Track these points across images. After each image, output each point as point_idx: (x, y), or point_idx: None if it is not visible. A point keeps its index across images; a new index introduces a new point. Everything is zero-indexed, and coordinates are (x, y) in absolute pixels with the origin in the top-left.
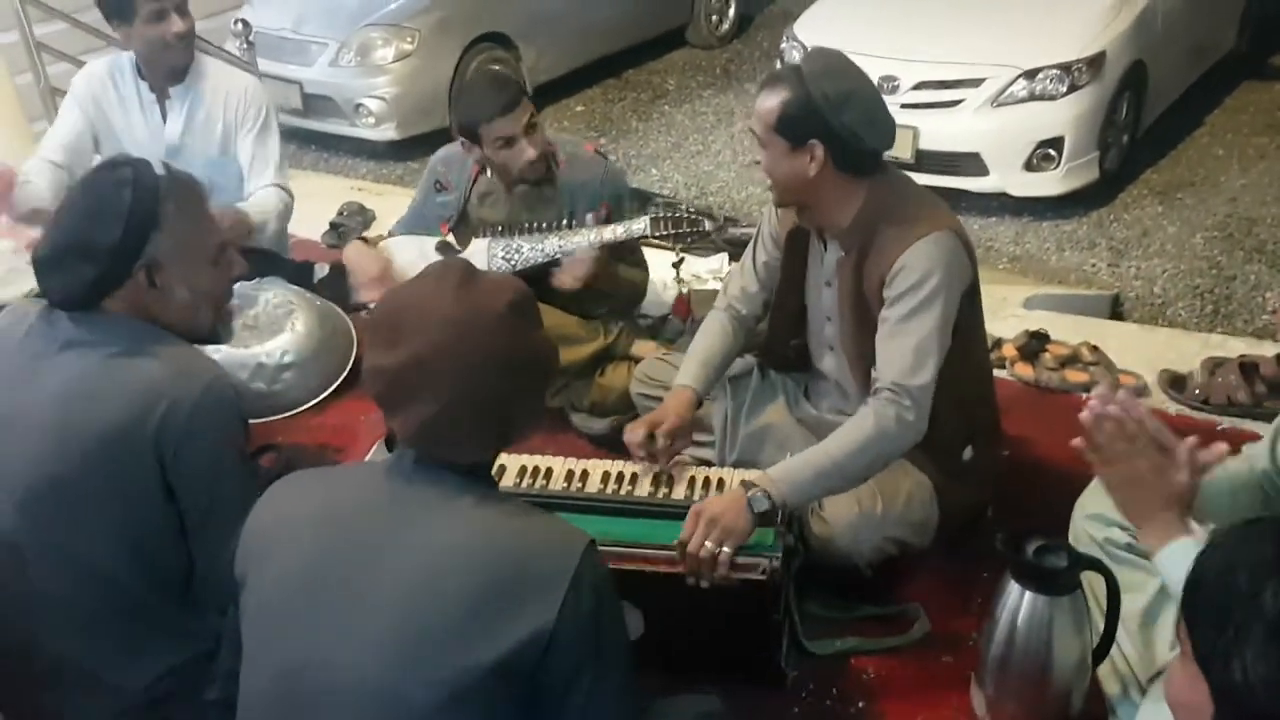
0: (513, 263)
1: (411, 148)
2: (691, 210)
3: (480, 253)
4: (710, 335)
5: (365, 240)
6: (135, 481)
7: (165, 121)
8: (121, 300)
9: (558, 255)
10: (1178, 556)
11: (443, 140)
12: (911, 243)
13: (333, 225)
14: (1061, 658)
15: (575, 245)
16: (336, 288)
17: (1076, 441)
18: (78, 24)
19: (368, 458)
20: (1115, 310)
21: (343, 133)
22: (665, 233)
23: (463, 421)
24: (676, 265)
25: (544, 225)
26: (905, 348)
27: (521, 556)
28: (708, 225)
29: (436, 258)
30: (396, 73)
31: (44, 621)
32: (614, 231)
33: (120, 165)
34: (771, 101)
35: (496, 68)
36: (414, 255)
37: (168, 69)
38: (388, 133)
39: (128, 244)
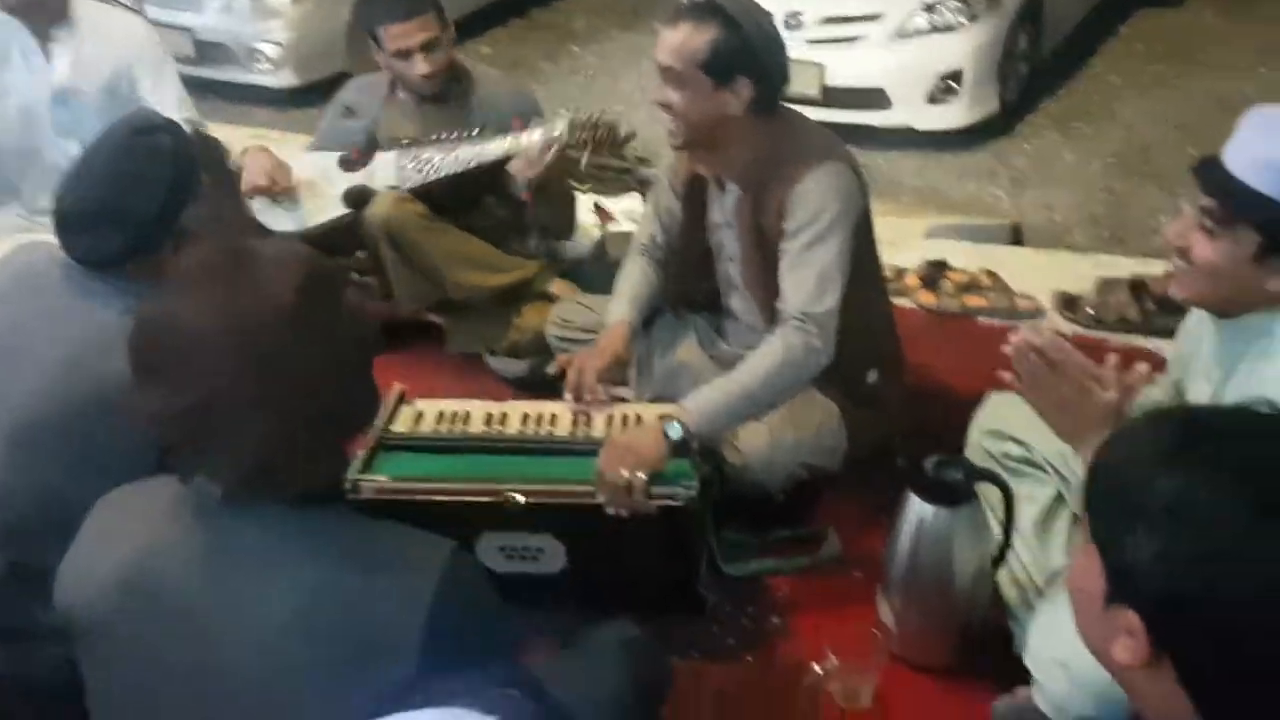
0: (424, 173)
1: (311, 94)
2: (603, 113)
3: (388, 165)
4: (633, 275)
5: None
6: (132, 438)
7: (50, 64)
8: (140, 264)
9: (472, 164)
10: None
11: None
12: (805, 175)
13: None
14: (962, 566)
15: (490, 154)
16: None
17: (1005, 374)
18: None
19: None
20: (1015, 239)
21: (239, 80)
22: (581, 137)
23: (291, 448)
24: (598, 209)
25: (454, 135)
26: (808, 277)
27: (368, 606)
28: (623, 130)
29: (339, 173)
30: (292, 16)
31: (23, 556)
32: (530, 135)
33: (158, 132)
34: (698, 39)
35: None
36: (314, 174)
37: (40, 8)
38: (285, 79)
39: (165, 217)
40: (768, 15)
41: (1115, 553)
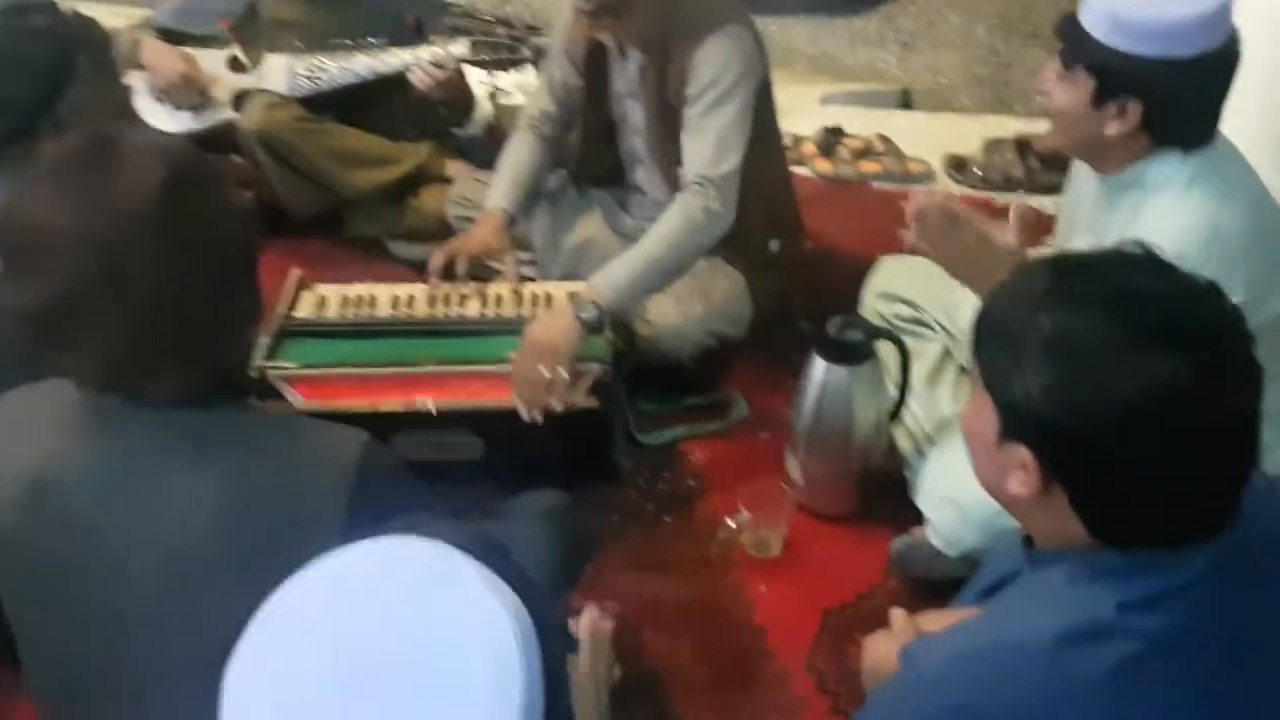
0: (317, 84)
1: None
2: (507, 33)
3: (279, 70)
4: (518, 153)
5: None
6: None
7: None
8: (21, 149)
9: (370, 76)
10: None
11: None
12: (707, 40)
13: None
14: (861, 419)
15: (388, 67)
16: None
17: (904, 233)
18: None
19: None
20: (905, 103)
21: None
22: (482, 58)
23: (149, 357)
24: (493, 95)
25: (351, 44)
26: (707, 141)
27: (286, 498)
28: (525, 52)
29: (228, 74)
30: None
31: None
32: (432, 53)
33: (32, 12)
34: None
35: None
36: (202, 67)
37: None
38: None
39: (43, 100)
40: None
41: (1004, 392)
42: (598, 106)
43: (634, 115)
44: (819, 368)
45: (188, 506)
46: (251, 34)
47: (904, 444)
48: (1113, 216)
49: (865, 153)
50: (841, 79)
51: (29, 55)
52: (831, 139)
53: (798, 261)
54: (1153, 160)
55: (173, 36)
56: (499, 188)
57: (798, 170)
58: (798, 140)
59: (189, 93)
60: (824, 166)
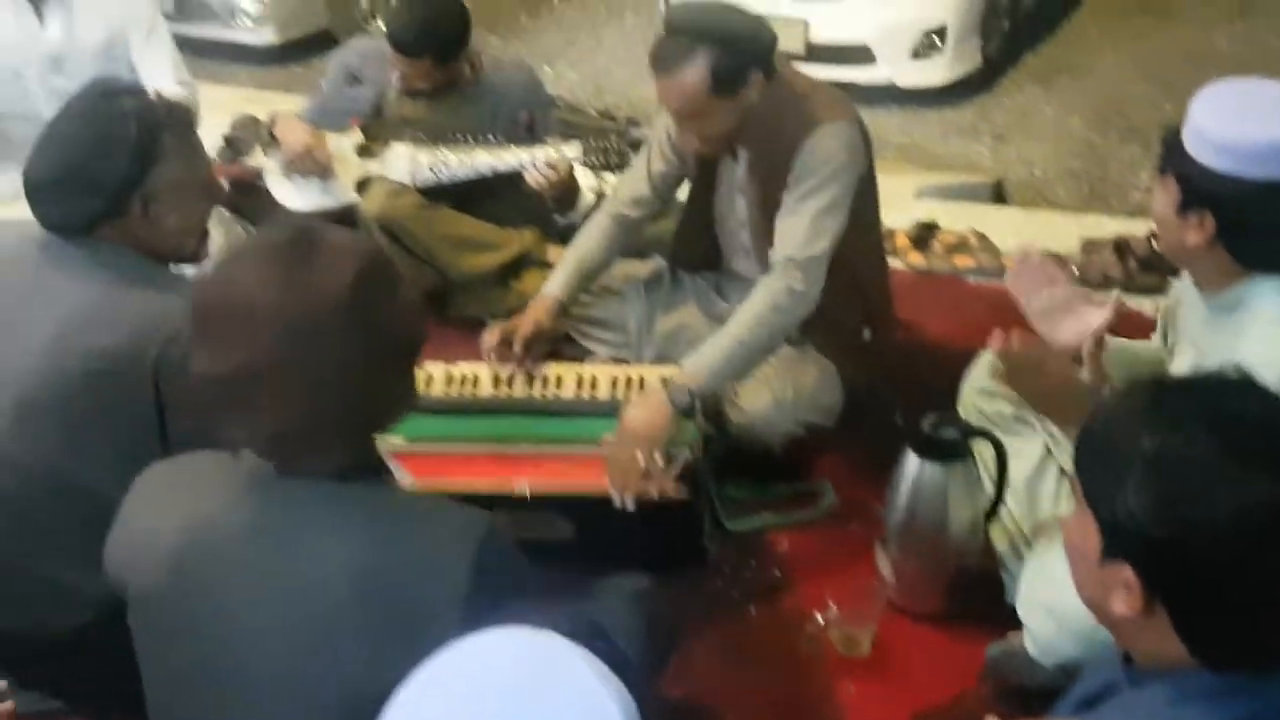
0: (439, 175)
1: (293, 52)
2: (617, 138)
3: (404, 160)
4: (589, 239)
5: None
6: (129, 408)
7: (43, 26)
8: (112, 228)
9: (487, 172)
10: None
11: (325, 42)
12: (811, 133)
13: (227, 140)
14: (957, 519)
15: (505, 164)
16: (238, 203)
17: (992, 344)
18: None
19: None
20: (998, 194)
21: (219, 38)
22: (594, 161)
23: (315, 433)
24: (598, 192)
25: (472, 137)
26: (800, 224)
27: (414, 569)
28: (632, 156)
29: (355, 160)
30: None
31: (14, 528)
32: (546, 154)
33: (121, 94)
34: (695, 74)
35: (443, 6)
36: (332, 153)
37: None
38: (266, 36)
39: (131, 177)
40: (731, 3)
41: (1106, 510)
42: (704, 199)
43: (740, 209)
44: (913, 464)
45: (322, 574)
46: (379, 130)
47: (1000, 544)
48: (1217, 338)
49: (959, 247)
50: (932, 169)
51: (119, 136)
52: (926, 233)
53: (890, 351)
54: (1252, 284)
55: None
56: (559, 273)
57: (889, 261)
58: (891, 233)
59: (311, 163)
60: (917, 259)
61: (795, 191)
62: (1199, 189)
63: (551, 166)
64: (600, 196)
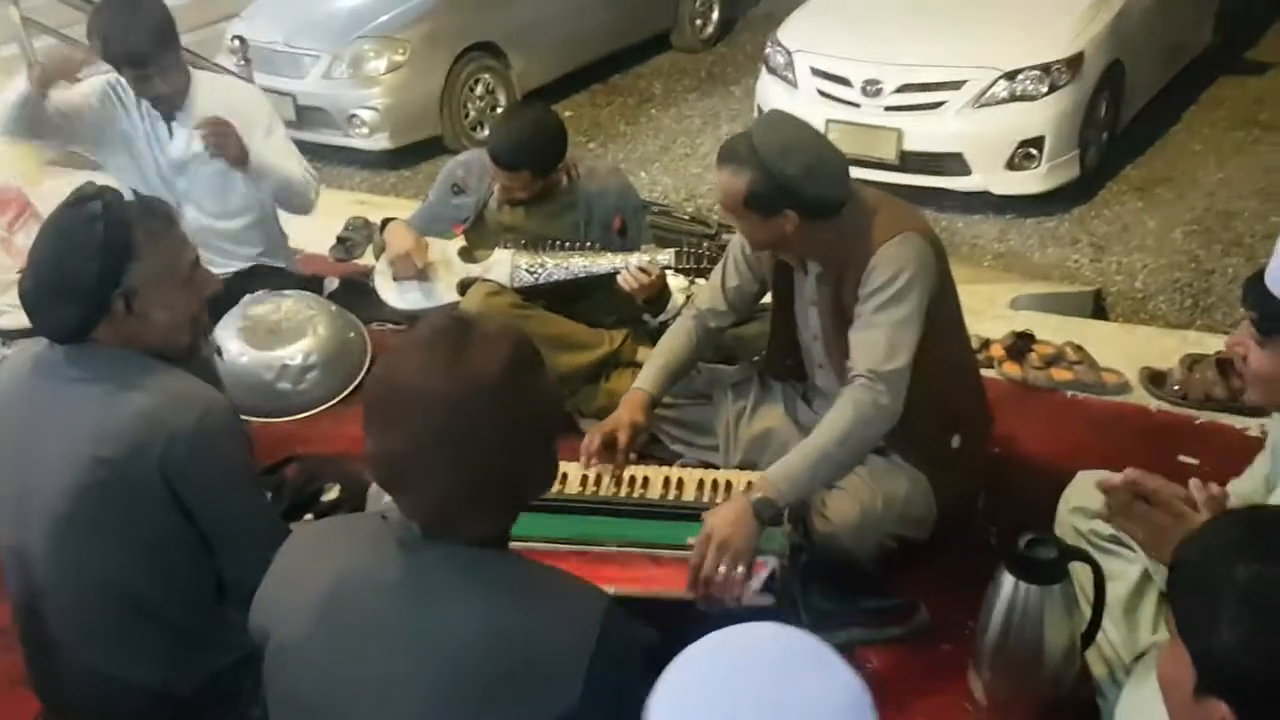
0: (536, 277)
1: (404, 157)
2: (709, 248)
3: (504, 264)
4: (676, 340)
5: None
6: (150, 509)
7: (172, 138)
8: (106, 329)
9: (582, 275)
10: None
11: (435, 149)
12: (879, 247)
13: (340, 240)
14: (1052, 643)
15: (599, 268)
16: (347, 299)
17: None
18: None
19: None
20: (1098, 305)
21: (336, 143)
22: (685, 266)
23: (474, 501)
24: (689, 295)
25: (567, 244)
26: (877, 338)
27: (538, 641)
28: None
29: (459, 263)
30: (388, 83)
31: (81, 639)
32: (640, 259)
33: (88, 199)
34: (737, 182)
35: (541, 126)
36: (436, 257)
37: (170, 97)
38: (381, 142)
39: (105, 278)
40: (814, 145)
41: (1199, 644)
42: (784, 314)
43: (813, 323)
44: (1008, 584)
45: (454, 634)
46: (479, 235)
47: (1098, 670)
48: None
49: (1057, 360)
50: (1030, 277)
51: (87, 240)
52: (1021, 344)
53: (982, 461)
54: None
55: None
56: (649, 370)
57: (984, 372)
58: (986, 343)
59: (410, 266)
60: (1013, 370)
61: (868, 305)
62: None
63: (644, 270)
64: (689, 299)
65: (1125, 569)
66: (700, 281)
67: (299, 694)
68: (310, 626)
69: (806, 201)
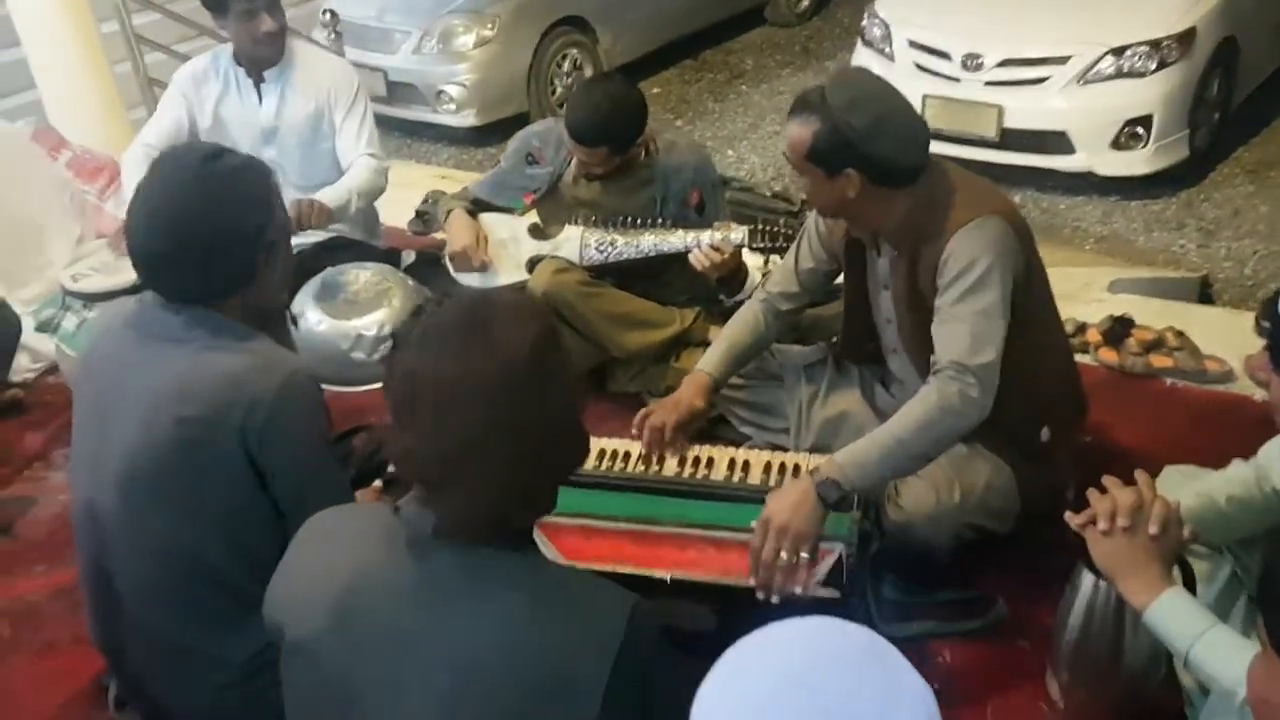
0: (606, 255)
1: (491, 133)
2: (788, 222)
3: (573, 240)
4: (743, 324)
5: (470, 213)
6: (225, 472)
7: (261, 104)
8: (251, 293)
9: (652, 253)
10: (1164, 610)
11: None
12: (955, 231)
13: (418, 214)
14: (1134, 646)
15: (671, 246)
16: (423, 272)
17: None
18: (173, 15)
19: None
20: (1204, 293)
21: (425, 119)
22: (760, 245)
23: (527, 492)
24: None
25: (639, 221)
26: (961, 330)
27: (560, 648)
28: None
29: (529, 240)
30: (477, 59)
31: (145, 599)
32: (711, 237)
33: (221, 154)
34: (803, 133)
35: (619, 99)
36: (505, 234)
37: (260, 59)
38: (468, 119)
39: (261, 231)
40: (887, 102)
41: None
42: (859, 298)
43: (886, 306)
44: (1087, 582)
45: (470, 640)
46: (551, 208)
47: (1185, 679)
48: None
49: (1156, 346)
50: (1133, 262)
51: (239, 194)
52: (1119, 329)
53: (1073, 453)
54: None
55: (484, 205)
56: (713, 352)
57: (1080, 358)
58: (1082, 327)
59: (466, 263)
60: (1109, 357)
61: (948, 295)
62: None
63: (716, 249)
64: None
65: (1215, 570)
66: (776, 260)
67: (311, 694)
68: (322, 626)
69: (872, 160)
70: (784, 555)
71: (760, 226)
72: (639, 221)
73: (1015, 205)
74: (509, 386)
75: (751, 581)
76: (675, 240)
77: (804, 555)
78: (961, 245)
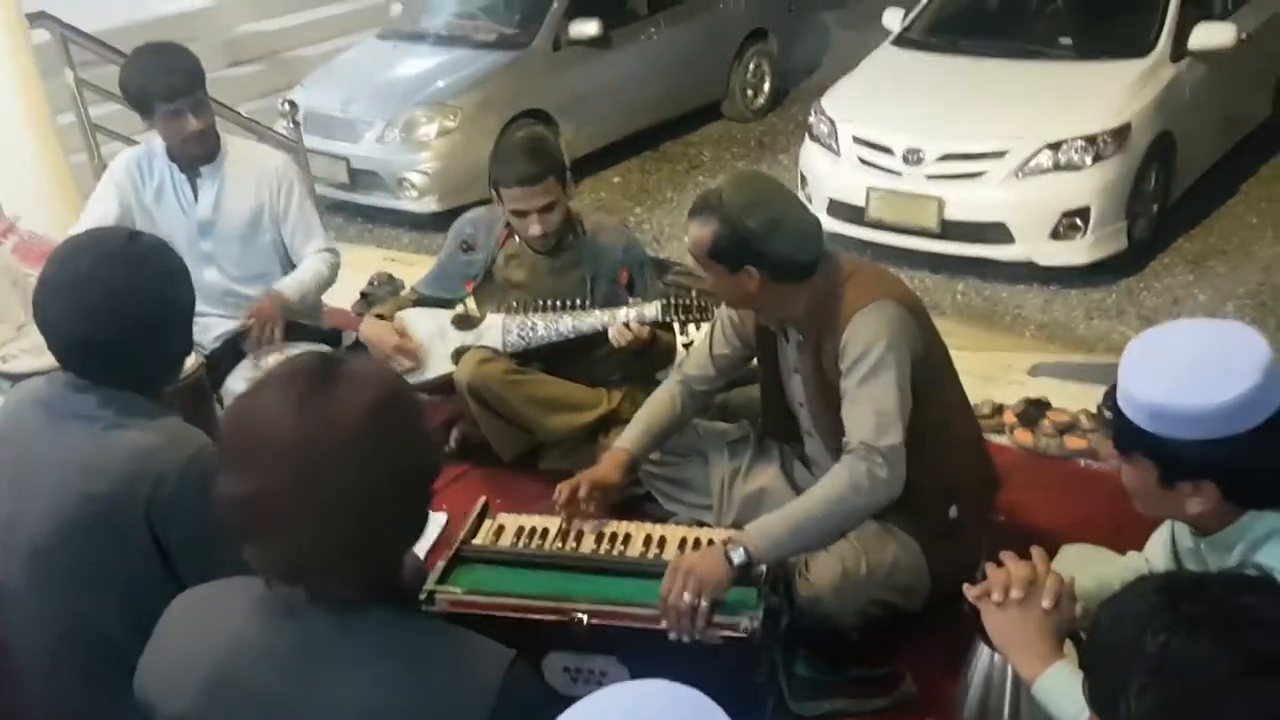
0: (528, 340)
1: (452, 218)
2: (702, 294)
3: (495, 328)
4: (659, 404)
5: (380, 316)
6: (130, 548)
7: (197, 200)
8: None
9: (572, 334)
10: (1052, 683)
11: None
12: (854, 318)
13: (363, 295)
14: (1031, 718)
15: (589, 325)
16: (365, 352)
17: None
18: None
19: None
20: None
21: (386, 205)
22: (677, 318)
23: (327, 557)
24: (686, 346)
25: (557, 304)
26: (866, 413)
27: (435, 707)
28: (714, 313)
29: (453, 332)
30: (439, 148)
31: (44, 673)
32: (627, 314)
33: (140, 233)
34: (703, 233)
35: (541, 138)
36: (431, 328)
37: (192, 157)
38: (429, 205)
39: (190, 309)
40: (781, 204)
41: (1112, 714)
42: (773, 382)
43: (798, 390)
44: (984, 654)
45: (343, 704)
46: (489, 292)
47: None
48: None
49: (1071, 428)
50: (1073, 349)
51: (174, 271)
52: (1034, 411)
53: (984, 532)
54: (1252, 520)
55: (428, 301)
56: (631, 430)
57: (995, 439)
58: (999, 408)
59: (402, 361)
60: (1025, 438)
61: (851, 379)
62: (1180, 463)
63: (626, 326)
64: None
65: None
66: (693, 330)
67: None
68: (195, 703)
69: (769, 258)
70: (687, 597)
71: (673, 300)
72: (558, 304)
73: (909, 289)
74: (324, 447)
75: (663, 624)
76: (593, 320)
77: (703, 603)
78: (858, 330)
